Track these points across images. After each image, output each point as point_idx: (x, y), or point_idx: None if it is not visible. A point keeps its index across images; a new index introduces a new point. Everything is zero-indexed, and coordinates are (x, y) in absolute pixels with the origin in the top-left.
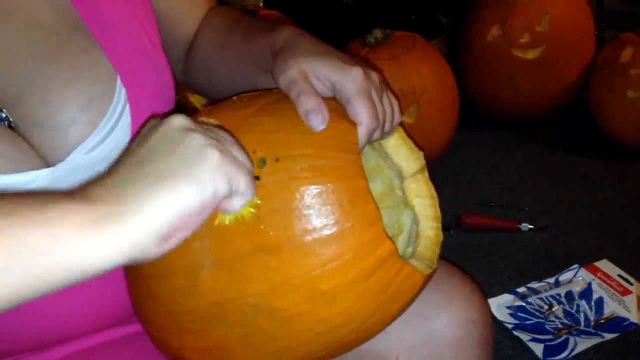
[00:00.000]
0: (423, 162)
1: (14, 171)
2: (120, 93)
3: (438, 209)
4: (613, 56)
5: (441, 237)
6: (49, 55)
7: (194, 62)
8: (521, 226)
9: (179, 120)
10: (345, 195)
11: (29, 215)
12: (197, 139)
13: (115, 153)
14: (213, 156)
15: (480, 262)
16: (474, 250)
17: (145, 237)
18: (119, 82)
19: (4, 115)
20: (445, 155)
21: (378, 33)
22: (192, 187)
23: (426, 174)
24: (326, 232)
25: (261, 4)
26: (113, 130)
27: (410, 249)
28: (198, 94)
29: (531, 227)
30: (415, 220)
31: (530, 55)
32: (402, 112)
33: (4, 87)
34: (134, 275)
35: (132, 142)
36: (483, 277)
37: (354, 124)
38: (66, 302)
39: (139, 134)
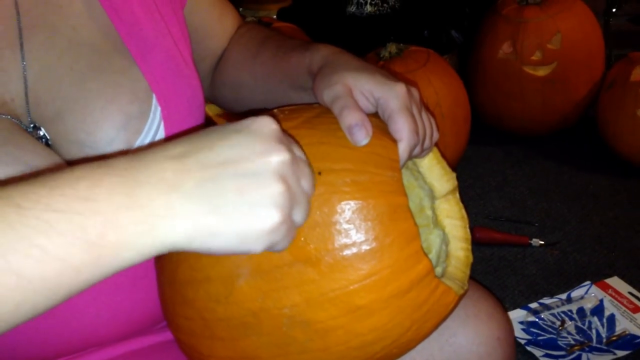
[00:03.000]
0: (455, 183)
1: None
2: (156, 112)
3: (468, 230)
4: (623, 75)
5: (471, 259)
6: (91, 73)
7: (222, 77)
8: (532, 242)
9: (268, 125)
10: (385, 211)
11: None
12: (272, 163)
13: None
14: (276, 212)
15: (492, 277)
16: (484, 264)
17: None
18: (154, 100)
19: (41, 134)
20: (455, 169)
21: (392, 47)
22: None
23: (457, 194)
24: (365, 247)
25: (274, 16)
26: None
27: (439, 269)
28: (219, 107)
29: (542, 242)
30: (444, 241)
31: (541, 72)
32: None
33: (46, 103)
34: (169, 281)
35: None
36: (495, 292)
37: (395, 141)
38: (96, 307)
39: (225, 129)
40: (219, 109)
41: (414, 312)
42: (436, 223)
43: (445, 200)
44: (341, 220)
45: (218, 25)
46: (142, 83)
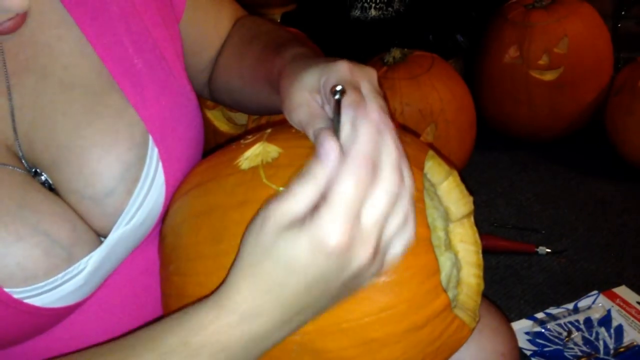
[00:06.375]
0: (472, 207)
1: (74, 239)
2: (153, 154)
3: (481, 255)
4: (631, 79)
5: (482, 286)
6: (85, 118)
7: (215, 84)
8: (538, 249)
9: (329, 240)
10: None
11: None
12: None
13: (152, 215)
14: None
15: (497, 285)
16: (490, 273)
17: None
18: (151, 142)
19: (43, 179)
20: (460, 175)
21: (397, 52)
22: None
23: (472, 218)
24: (383, 279)
25: (279, 20)
26: (148, 194)
27: (450, 295)
28: (224, 106)
29: (548, 250)
30: (456, 265)
31: (548, 76)
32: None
33: (41, 151)
34: (176, 294)
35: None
36: (500, 302)
37: (419, 168)
38: (92, 328)
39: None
40: (222, 116)
41: (428, 347)
42: (448, 246)
43: (460, 224)
44: None
45: (214, 33)
46: (138, 125)
